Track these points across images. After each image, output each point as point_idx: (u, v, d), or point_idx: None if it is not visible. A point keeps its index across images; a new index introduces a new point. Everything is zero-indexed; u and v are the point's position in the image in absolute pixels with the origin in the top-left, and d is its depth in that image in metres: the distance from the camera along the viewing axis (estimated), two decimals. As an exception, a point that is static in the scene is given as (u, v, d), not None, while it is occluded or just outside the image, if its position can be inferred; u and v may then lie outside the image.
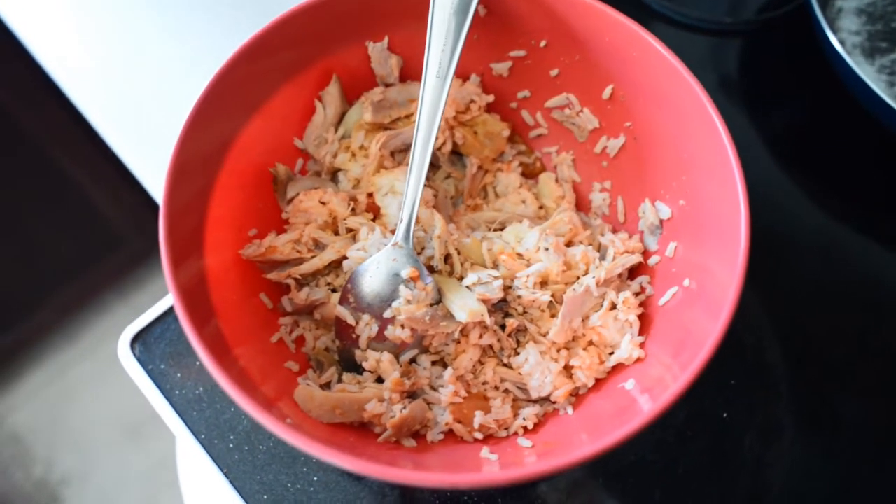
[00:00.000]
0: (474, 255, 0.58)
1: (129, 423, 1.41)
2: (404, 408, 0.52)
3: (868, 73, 0.78)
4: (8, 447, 1.39)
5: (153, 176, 0.74)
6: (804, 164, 0.78)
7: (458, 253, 0.58)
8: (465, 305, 0.53)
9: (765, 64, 0.85)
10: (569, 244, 0.60)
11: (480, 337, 0.56)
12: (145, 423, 1.40)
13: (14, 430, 1.41)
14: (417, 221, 0.57)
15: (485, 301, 0.54)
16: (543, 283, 0.57)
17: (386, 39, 0.62)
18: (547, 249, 0.56)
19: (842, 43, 0.79)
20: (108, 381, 1.43)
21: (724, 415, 0.63)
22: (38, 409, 1.44)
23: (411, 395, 0.55)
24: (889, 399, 0.64)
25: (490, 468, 0.50)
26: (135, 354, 0.64)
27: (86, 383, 1.46)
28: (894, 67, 0.78)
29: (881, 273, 0.72)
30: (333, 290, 0.59)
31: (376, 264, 0.55)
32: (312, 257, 0.58)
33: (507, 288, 0.56)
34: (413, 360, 0.56)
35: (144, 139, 0.75)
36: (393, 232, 0.57)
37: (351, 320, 0.55)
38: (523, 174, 0.67)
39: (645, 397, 0.49)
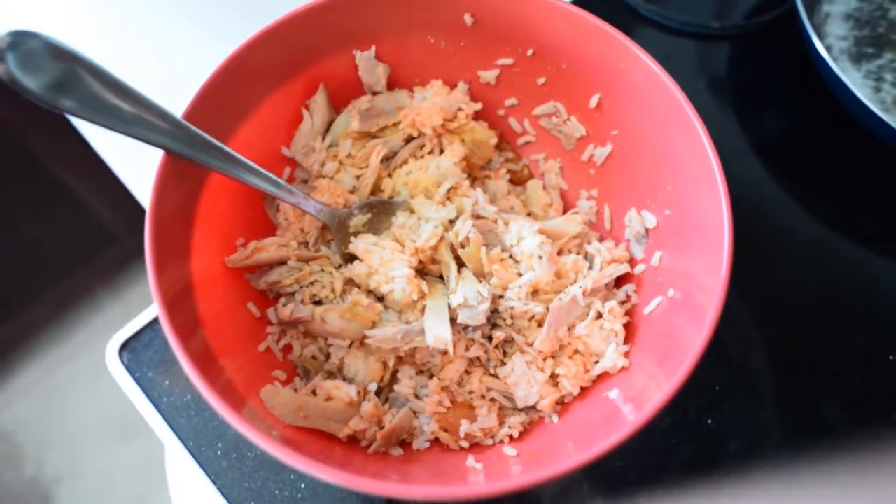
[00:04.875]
0: (473, 261, 0.58)
1: (121, 421, 1.41)
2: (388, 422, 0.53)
3: (854, 79, 0.78)
4: (-1, 446, 1.39)
5: (140, 181, 0.74)
6: (793, 169, 0.78)
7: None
8: (436, 330, 0.54)
9: (754, 68, 0.85)
10: (559, 252, 0.60)
11: (467, 349, 0.56)
12: (137, 422, 1.37)
13: (4, 429, 1.40)
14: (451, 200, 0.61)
15: (465, 327, 0.55)
16: (534, 293, 0.57)
17: (373, 48, 0.62)
18: (541, 258, 0.56)
19: (829, 48, 0.80)
20: (99, 378, 1.41)
21: (709, 421, 0.63)
22: (28, 407, 1.43)
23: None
24: (875, 403, 0.65)
25: (475, 478, 0.50)
26: (123, 362, 0.65)
27: (77, 381, 1.45)
28: (881, 73, 0.78)
29: (867, 276, 0.73)
30: (318, 303, 0.59)
31: None
32: (299, 261, 0.58)
33: (498, 297, 0.57)
34: (397, 371, 0.56)
35: (133, 144, 0.75)
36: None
37: None
38: (511, 181, 0.67)
39: (629, 407, 0.50)
